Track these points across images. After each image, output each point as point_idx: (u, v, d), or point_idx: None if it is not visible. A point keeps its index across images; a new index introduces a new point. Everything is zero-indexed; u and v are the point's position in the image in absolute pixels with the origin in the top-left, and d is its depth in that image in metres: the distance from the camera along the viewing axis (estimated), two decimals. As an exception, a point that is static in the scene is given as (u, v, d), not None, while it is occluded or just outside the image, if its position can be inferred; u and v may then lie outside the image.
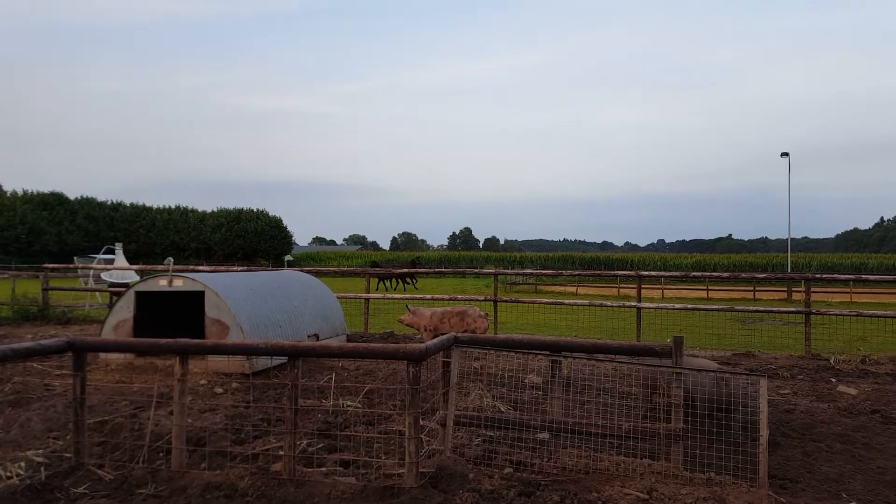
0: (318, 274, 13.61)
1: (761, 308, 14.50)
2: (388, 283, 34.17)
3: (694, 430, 4.80)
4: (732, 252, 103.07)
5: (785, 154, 43.02)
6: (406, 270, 21.04)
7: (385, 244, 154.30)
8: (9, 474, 4.41)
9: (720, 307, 12.75)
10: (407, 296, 17.39)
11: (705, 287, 33.22)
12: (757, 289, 31.87)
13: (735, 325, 15.50)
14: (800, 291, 27.20)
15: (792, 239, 48.38)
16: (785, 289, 31.19)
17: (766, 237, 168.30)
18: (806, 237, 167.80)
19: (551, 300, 14.64)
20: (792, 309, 13.35)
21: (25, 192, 65.22)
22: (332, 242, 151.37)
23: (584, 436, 4.86)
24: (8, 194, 64.64)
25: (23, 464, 4.58)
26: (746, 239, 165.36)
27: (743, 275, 13.77)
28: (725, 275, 12.98)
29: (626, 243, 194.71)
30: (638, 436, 4.74)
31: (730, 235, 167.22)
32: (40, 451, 4.86)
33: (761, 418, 4.40)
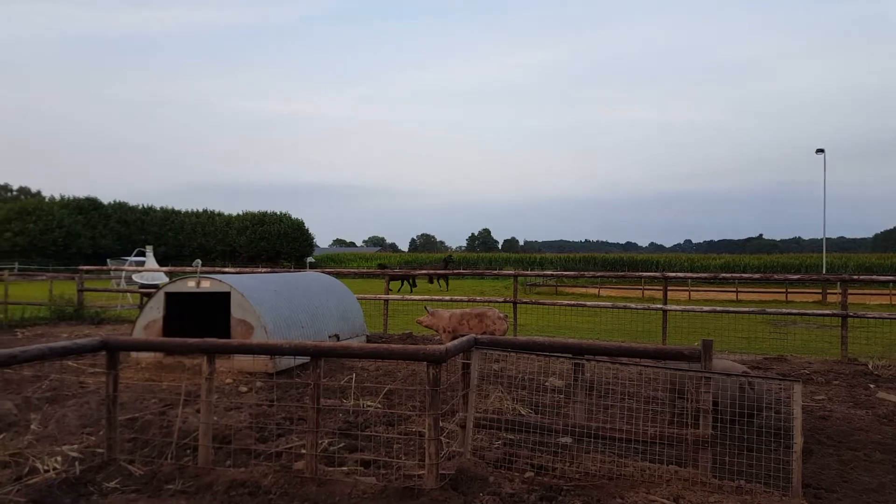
0: (338, 275, 13.72)
1: (794, 310, 14.12)
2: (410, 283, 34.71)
3: (723, 437, 4.70)
4: (763, 252, 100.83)
5: (820, 150, 41.98)
6: (422, 272, 21.36)
7: (404, 246, 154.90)
8: (46, 468, 4.54)
9: (751, 309, 12.47)
10: (426, 297, 17.48)
11: (735, 289, 32.57)
12: (789, 291, 31.14)
13: (766, 328, 15.16)
14: (835, 293, 26.52)
15: (827, 239, 47.16)
16: (819, 290, 30.42)
17: (800, 237, 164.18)
18: (842, 237, 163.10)
19: (573, 302, 14.49)
20: (827, 311, 12.98)
21: (62, 198, 67.30)
22: (352, 244, 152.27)
23: (608, 441, 4.79)
24: (46, 200, 66.75)
25: (59, 458, 4.71)
26: (778, 239, 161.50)
27: (775, 276, 13.38)
28: (756, 276, 12.60)
29: (651, 244, 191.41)
30: (664, 441, 4.65)
31: (760, 235, 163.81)
32: (75, 447, 4.99)
33: (795, 425, 4.26)
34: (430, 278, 35.72)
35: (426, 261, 71.14)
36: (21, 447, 4.92)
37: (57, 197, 67.52)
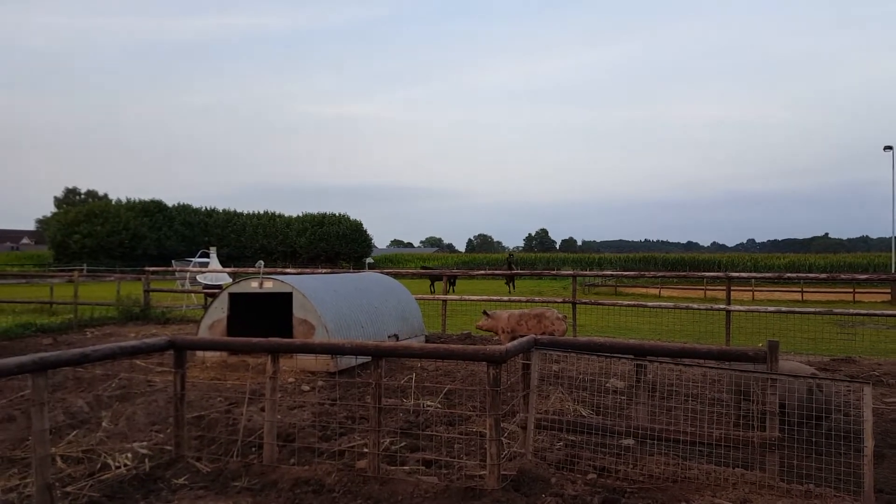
0: (395, 276, 13.87)
1: (863, 311, 13.47)
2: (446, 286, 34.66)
3: (791, 440, 4.54)
4: (829, 252, 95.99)
5: (889, 147, 40.32)
6: (480, 273, 21.30)
7: (461, 246, 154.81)
8: (117, 464, 4.72)
9: (817, 310, 11.95)
10: (484, 298, 17.49)
11: (800, 289, 31.21)
12: (857, 290, 29.65)
13: (833, 329, 14.48)
14: (908, 293, 25.06)
15: (896, 237, 44.61)
16: (889, 290, 28.85)
17: (867, 236, 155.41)
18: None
19: (633, 302, 14.18)
20: (899, 312, 12.31)
21: (129, 200, 70.56)
22: (410, 245, 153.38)
23: (672, 443, 4.70)
24: (113, 202, 70.12)
25: (129, 455, 4.89)
26: (845, 238, 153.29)
27: (842, 276, 12.77)
28: (823, 276, 12.14)
29: (713, 243, 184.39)
30: (730, 444, 4.54)
31: (826, 234, 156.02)
32: (144, 444, 5.17)
33: (865, 427, 4.13)
34: (508, 280, 34.77)
35: (483, 261, 70.99)
36: (93, 444, 5.13)
37: (123, 200, 70.90)
